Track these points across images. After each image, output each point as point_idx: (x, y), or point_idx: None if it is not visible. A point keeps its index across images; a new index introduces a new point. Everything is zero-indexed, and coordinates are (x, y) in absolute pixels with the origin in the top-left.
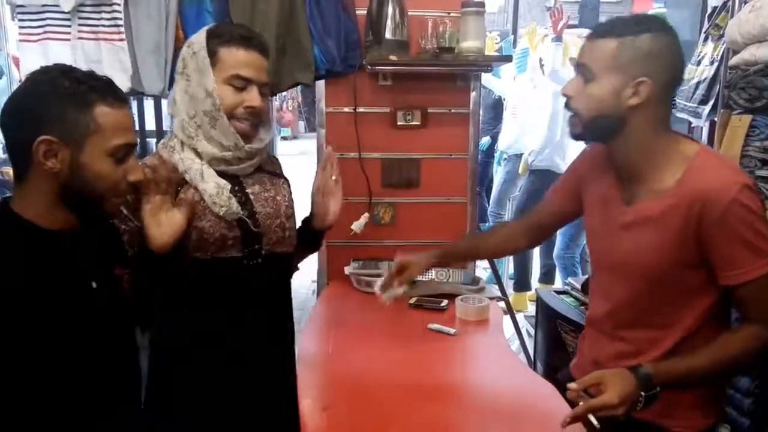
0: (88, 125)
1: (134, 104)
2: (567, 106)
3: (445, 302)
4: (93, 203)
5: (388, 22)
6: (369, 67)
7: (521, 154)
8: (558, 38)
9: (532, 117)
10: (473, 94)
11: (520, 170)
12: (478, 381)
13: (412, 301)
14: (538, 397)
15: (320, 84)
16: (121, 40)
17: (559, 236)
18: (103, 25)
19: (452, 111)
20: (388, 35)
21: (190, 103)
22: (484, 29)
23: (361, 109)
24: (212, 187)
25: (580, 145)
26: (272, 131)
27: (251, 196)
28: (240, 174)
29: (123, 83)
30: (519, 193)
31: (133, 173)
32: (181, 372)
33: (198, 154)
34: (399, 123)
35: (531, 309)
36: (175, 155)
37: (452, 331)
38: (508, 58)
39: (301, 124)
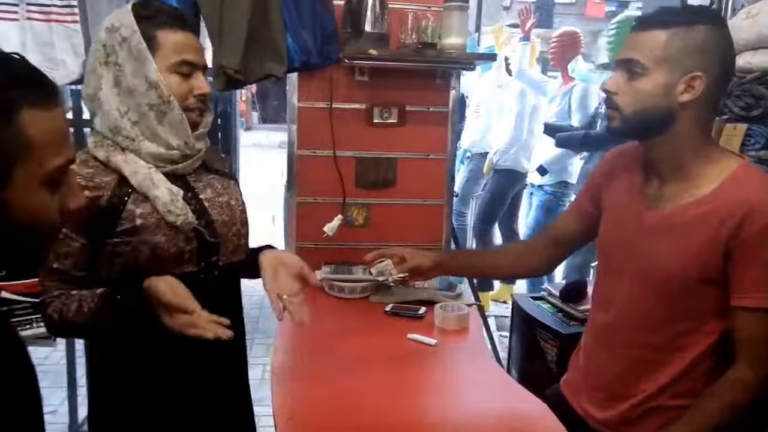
0: (12, 145)
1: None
2: (607, 102)
3: (422, 309)
4: (27, 253)
5: (368, 13)
6: (346, 60)
7: (485, 153)
8: (526, 38)
9: (497, 116)
10: (452, 92)
11: (484, 170)
12: (463, 398)
13: (388, 308)
14: (531, 417)
15: (292, 77)
16: (75, 21)
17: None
18: (55, 5)
19: (431, 109)
20: (367, 28)
21: (123, 97)
22: (467, 25)
23: (335, 105)
24: (166, 194)
25: (548, 146)
26: (211, 115)
27: (205, 203)
28: (187, 171)
29: (75, 68)
30: (483, 192)
31: (74, 198)
32: (129, 388)
33: (139, 155)
34: (375, 120)
35: (493, 308)
36: (117, 156)
37: (433, 342)
38: (492, 57)
39: (255, 114)
